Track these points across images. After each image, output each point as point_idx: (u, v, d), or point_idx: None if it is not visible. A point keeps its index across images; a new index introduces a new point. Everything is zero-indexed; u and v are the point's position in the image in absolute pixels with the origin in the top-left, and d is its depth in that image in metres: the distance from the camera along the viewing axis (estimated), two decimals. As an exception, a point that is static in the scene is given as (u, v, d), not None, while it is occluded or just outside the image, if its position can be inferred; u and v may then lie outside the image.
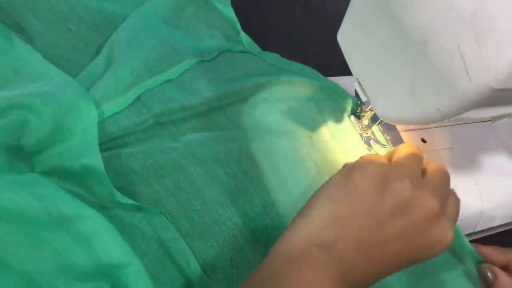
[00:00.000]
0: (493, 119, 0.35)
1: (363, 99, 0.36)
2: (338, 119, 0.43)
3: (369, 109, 0.41)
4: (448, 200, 0.32)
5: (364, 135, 0.43)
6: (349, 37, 0.36)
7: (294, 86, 0.44)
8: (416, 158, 0.33)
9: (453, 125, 0.48)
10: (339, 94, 0.45)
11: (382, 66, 0.34)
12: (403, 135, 0.45)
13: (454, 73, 0.28)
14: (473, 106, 0.29)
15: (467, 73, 0.28)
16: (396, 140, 0.45)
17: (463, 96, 0.29)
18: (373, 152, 0.42)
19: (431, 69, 0.30)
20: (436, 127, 0.47)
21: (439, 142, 0.46)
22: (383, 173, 0.31)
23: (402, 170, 0.31)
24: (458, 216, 0.33)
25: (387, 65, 0.33)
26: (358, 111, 0.43)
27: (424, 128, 0.47)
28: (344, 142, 0.42)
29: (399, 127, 0.46)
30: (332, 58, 0.44)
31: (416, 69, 0.31)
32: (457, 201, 0.33)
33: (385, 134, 0.44)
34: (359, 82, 0.36)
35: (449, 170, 0.44)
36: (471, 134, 0.47)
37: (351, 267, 0.28)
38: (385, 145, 0.43)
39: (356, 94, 0.38)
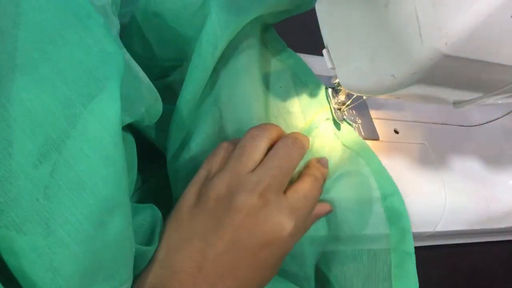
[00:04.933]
0: (456, 103, 0.34)
1: (329, 65, 0.36)
2: (312, 93, 0.43)
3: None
4: (291, 186, 0.31)
5: (338, 110, 0.42)
6: (325, 4, 0.36)
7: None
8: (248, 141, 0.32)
9: (431, 123, 0.47)
10: (304, 73, 0.44)
11: (349, 32, 0.33)
12: (376, 122, 0.44)
13: (409, 36, 0.28)
14: (424, 72, 0.28)
15: (420, 36, 0.27)
16: (367, 126, 0.44)
17: (415, 61, 0.28)
18: (341, 126, 0.41)
19: (390, 33, 0.29)
20: (413, 121, 0.46)
21: (412, 136, 0.45)
22: (201, 182, 0.31)
23: (223, 172, 0.31)
24: (307, 201, 0.31)
25: (353, 31, 0.33)
26: (335, 84, 0.42)
27: (401, 120, 0.46)
28: (313, 114, 0.41)
29: (373, 114, 0.45)
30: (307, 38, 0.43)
31: (377, 34, 0.31)
32: (305, 185, 0.32)
33: (357, 118, 0.43)
34: (328, 50, 0.36)
35: (417, 166, 0.44)
36: (448, 135, 0.46)
37: None
38: (353, 125, 0.42)
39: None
